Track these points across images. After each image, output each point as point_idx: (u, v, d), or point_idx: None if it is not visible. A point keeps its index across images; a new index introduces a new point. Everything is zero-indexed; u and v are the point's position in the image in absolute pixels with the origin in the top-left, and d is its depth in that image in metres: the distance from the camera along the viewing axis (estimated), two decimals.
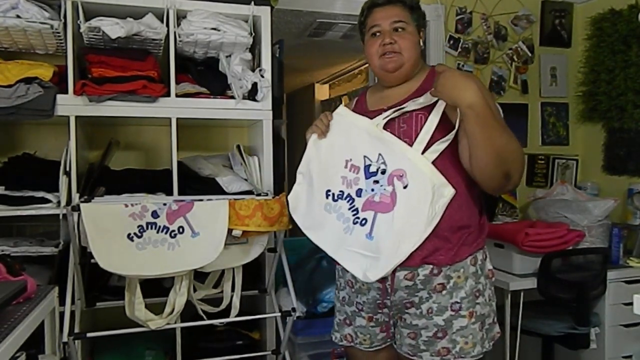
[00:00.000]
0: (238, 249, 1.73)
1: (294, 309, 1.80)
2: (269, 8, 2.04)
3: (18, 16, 1.76)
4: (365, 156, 1.41)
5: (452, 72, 1.31)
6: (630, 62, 2.85)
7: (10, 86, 1.76)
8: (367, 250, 1.36)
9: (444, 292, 1.37)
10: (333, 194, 1.44)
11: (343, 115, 1.48)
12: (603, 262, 2.38)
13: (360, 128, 1.43)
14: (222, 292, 1.81)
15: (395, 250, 1.32)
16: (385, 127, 1.41)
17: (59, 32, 1.83)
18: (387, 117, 1.40)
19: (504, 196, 3.02)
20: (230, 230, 1.60)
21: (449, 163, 1.37)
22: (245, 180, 2.04)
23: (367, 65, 4.26)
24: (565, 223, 2.52)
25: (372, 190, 1.38)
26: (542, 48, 3.19)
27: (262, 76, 2.00)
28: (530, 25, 3.16)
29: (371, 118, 1.44)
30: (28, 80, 1.79)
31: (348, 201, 1.42)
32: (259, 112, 2.04)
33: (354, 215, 1.40)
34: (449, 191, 1.33)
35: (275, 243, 1.91)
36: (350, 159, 1.43)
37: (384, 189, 1.36)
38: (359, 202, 1.40)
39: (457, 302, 1.36)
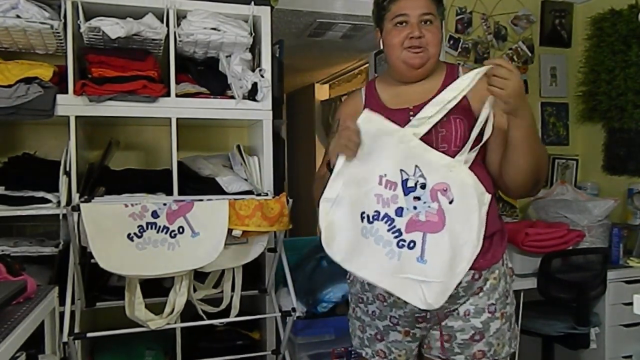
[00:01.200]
0: (238, 249, 1.73)
1: (294, 309, 1.80)
2: (269, 8, 2.04)
3: (18, 16, 1.76)
4: (402, 170, 1.25)
5: (519, 78, 1.18)
6: (630, 62, 2.84)
7: (10, 86, 1.76)
8: (421, 275, 1.23)
9: (480, 294, 1.35)
10: (368, 216, 1.27)
11: (369, 121, 1.28)
12: (603, 262, 2.38)
13: (392, 137, 1.26)
14: (222, 292, 1.81)
15: (454, 271, 1.23)
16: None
17: (59, 32, 1.82)
18: (424, 120, 1.26)
19: (504, 196, 3.02)
20: (230, 230, 1.60)
21: (480, 168, 1.33)
22: (245, 180, 2.03)
23: (367, 65, 4.25)
24: (565, 223, 2.52)
25: (415, 208, 1.24)
26: (542, 48, 3.19)
27: (262, 76, 2.00)
28: (530, 25, 3.16)
29: (397, 119, 1.33)
30: (28, 80, 1.79)
31: (386, 222, 1.26)
32: (259, 112, 2.04)
33: (396, 237, 1.25)
34: (487, 198, 1.24)
35: (275, 243, 1.91)
36: (385, 175, 1.26)
37: (429, 207, 1.24)
38: (400, 223, 1.25)
39: (493, 304, 1.35)
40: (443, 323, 1.37)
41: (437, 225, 1.23)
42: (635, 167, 2.89)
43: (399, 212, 1.25)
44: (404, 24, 1.34)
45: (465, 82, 1.22)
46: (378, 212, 1.26)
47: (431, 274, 1.22)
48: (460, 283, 1.28)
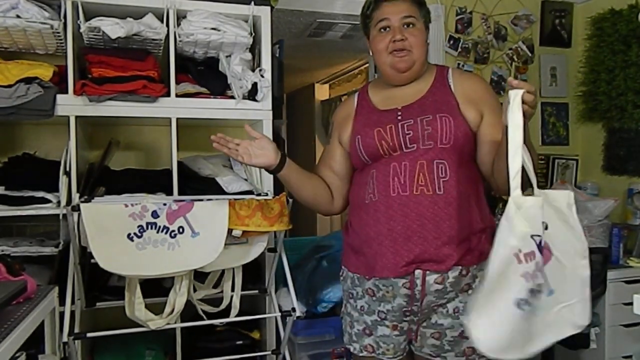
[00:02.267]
0: (238, 249, 1.73)
1: (294, 309, 1.80)
2: (269, 8, 2.04)
3: (18, 16, 1.76)
4: (532, 236, 1.15)
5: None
6: (630, 62, 2.84)
7: (10, 86, 1.75)
8: (558, 303, 1.22)
9: (469, 291, 1.36)
10: (519, 300, 1.13)
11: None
12: (603, 262, 2.38)
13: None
14: (222, 292, 1.81)
15: (581, 287, 1.28)
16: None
17: (59, 32, 1.82)
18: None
19: (505, 196, 3.02)
20: (230, 230, 1.60)
21: (467, 167, 1.38)
22: (245, 180, 2.04)
23: (367, 65, 4.26)
24: None
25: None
26: (542, 48, 3.19)
27: (262, 76, 2.00)
28: (530, 25, 3.16)
29: (385, 119, 1.39)
30: (28, 80, 1.79)
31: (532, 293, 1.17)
32: (259, 112, 2.04)
33: (531, 291, 1.16)
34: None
35: (275, 243, 1.91)
36: (520, 250, 1.14)
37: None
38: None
39: None
40: (433, 320, 1.39)
41: (547, 255, 1.19)
42: (635, 167, 2.89)
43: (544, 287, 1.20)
44: (387, 29, 1.40)
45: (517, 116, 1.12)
46: (532, 290, 1.16)
47: (563, 298, 1.22)
48: (447, 278, 1.32)
